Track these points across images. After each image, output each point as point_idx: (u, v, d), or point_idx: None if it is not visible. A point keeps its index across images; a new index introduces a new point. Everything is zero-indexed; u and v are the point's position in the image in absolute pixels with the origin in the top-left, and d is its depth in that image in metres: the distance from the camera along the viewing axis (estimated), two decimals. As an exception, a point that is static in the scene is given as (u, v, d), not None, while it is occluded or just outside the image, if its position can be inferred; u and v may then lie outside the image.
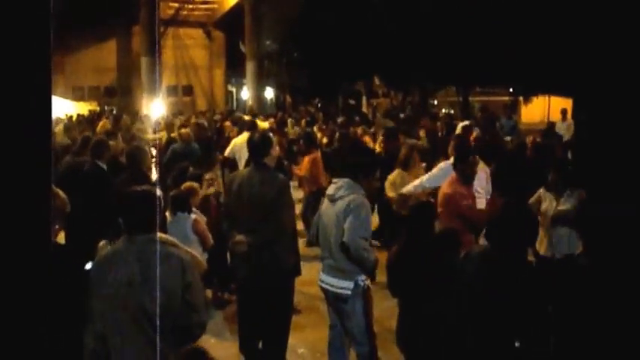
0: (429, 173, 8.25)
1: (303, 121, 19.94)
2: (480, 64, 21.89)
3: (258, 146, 6.17)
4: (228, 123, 17.27)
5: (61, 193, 4.35)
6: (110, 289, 3.79)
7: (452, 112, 33.59)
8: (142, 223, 3.85)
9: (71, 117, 22.66)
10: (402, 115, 21.61)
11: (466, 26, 21.00)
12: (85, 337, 3.83)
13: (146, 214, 3.83)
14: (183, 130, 12.69)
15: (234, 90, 49.64)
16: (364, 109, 32.20)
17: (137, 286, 3.73)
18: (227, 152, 12.16)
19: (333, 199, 5.60)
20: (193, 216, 7.05)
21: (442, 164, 8.07)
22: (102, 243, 5.23)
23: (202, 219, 7.21)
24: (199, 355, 3.39)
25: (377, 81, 33.75)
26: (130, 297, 3.74)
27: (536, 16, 19.10)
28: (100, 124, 16.71)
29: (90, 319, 3.84)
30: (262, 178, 5.99)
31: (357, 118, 20.11)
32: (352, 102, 36.08)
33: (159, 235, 3.89)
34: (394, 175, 8.87)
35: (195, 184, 7.60)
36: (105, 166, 8.15)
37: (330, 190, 5.69)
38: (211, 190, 8.39)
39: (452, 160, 7.45)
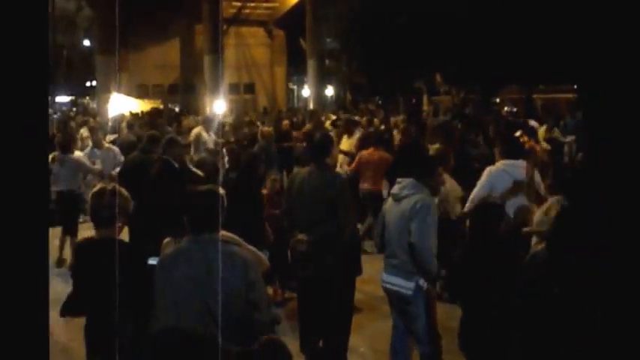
0: (479, 182, 7.26)
1: (364, 120, 19.87)
2: (544, 62, 21.48)
3: (319, 146, 6.19)
4: (286, 122, 17.38)
5: (124, 191, 4.42)
6: (174, 287, 3.84)
7: (514, 109, 33.02)
8: (206, 222, 3.89)
9: (135, 114, 23.07)
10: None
11: (530, 23, 20.64)
12: (147, 333, 3.89)
13: (210, 213, 3.86)
14: (265, 130, 12.86)
15: (295, 88, 49.86)
16: (425, 106, 31.85)
17: (201, 285, 3.77)
18: None
19: (397, 198, 5.58)
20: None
21: (487, 170, 7.25)
22: (167, 240, 5.30)
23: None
24: (276, 345, 3.42)
25: (438, 78, 33.37)
26: (193, 295, 3.78)
27: (605, 13, 18.66)
28: (185, 121, 17.16)
29: (153, 316, 3.90)
30: (323, 178, 6.00)
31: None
32: (413, 100, 35.83)
33: (222, 233, 3.92)
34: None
35: None
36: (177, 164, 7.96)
37: (395, 190, 5.67)
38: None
39: (498, 164, 7.09)
